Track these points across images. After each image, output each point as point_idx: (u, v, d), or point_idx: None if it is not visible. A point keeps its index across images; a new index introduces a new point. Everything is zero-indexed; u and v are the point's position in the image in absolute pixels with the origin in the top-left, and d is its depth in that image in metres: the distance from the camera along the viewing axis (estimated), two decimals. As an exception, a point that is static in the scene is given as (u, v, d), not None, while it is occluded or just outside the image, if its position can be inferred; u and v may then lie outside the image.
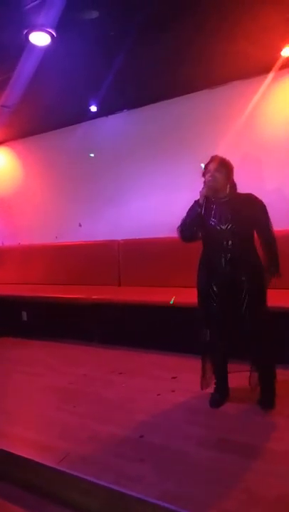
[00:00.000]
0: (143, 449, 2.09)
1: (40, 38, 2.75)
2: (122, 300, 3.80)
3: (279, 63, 3.38)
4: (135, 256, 4.29)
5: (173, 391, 2.77)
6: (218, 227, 2.41)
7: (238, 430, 2.21)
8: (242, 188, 3.43)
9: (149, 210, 4.31)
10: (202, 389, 2.57)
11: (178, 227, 2.57)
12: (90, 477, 1.85)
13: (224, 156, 2.52)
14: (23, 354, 3.93)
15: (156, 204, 4.26)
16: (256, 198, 2.48)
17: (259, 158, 3.73)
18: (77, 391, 2.90)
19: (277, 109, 3.64)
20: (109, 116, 4.51)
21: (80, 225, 4.88)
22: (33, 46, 2.83)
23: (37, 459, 2.04)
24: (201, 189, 2.43)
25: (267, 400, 2.44)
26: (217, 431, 2.21)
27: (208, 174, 2.44)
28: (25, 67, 3.10)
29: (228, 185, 2.47)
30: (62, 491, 1.93)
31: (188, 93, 3.96)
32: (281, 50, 3.18)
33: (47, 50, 2.90)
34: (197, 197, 2.46)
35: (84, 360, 3.59)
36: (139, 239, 4.30)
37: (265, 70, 3.51)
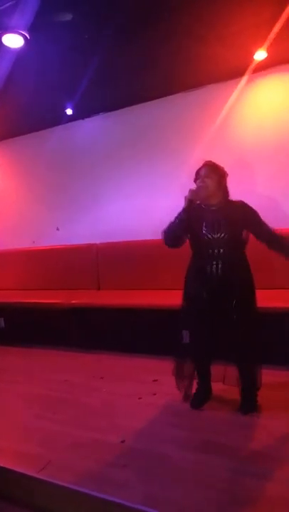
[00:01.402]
0: (125, 454, 2.07)
1: (13, 40, 2.71)
2: (101, 304, 3.78)
3: (252, 67, 3.45)
4: (114, 259, 4.27)
5: (154, 394, 2.77)
6: (210, 236, 2.37)
7: (220, 432, 2.21)
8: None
9: (127, 213, 4.31)
10: (184, 396, 2.56)
11: (162, 232, 2.52)
12: (73, 485, 1.83)
13: (213, 161, 2.48)
14: (1, 362, 3.84)
15: (134, 207, 4.26)
16: (248, 205, 2.44)
17: (233, 161, 3.77)
18: (57, 398, 2.86)
19: (251, 112, 3.71)
20: (86, 120, 4.49)
21: (57, 229, 4.82)
22: (6, 48, 2.78)
23: (17, 469, 2.00)
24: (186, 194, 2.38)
25: (249, 404, 2.41)
26: (200, 433, 2.22)
27: (199, 180, 2.40)
28: (-1, 69, 3.06)
29: (221, 192, 2.43)
30: (44, 500, 1.89)
31: (163, 96, 3.99)
32: (254, 54, 3.23)
33: (20, 53, 2.86)
34: (179, 200, 2.43)
35: (64, 366, 3.54)
36: (117, 242, 4.28)
37: (239, 73, 3.56)
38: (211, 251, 2.37)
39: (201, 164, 2.49)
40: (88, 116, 4.44)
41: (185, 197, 2.37)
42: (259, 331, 2.43)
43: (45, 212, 4.89)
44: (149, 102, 4.08)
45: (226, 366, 2.50)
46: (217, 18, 2.70)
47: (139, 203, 4.23)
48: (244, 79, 3.63)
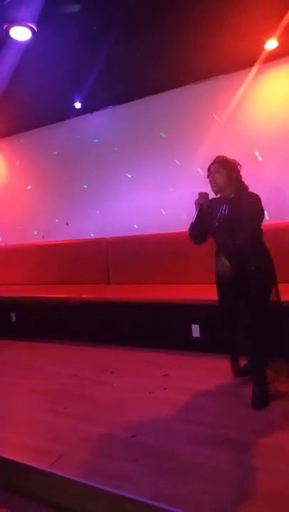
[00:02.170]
0: (135, 448, 2.07)
1: (20, 33, 2.69)
2: (111, 298, 3.78)
3: (262, 57, 3.38)
4: (123, 254, 4.26)
5: (164, 389, 2.76)
6: (221, 227, 2.45)
7: (230, 426, 2.20)
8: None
9: (136, 206, 4.29)
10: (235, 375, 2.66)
11: (188, 231, 2.61)
12: (83, 479, 1.83)
13: (224, 154, 2.52)
14: (11, 356, 3.87)
15: (143, 200, 4.24)
16: (252, 194, 2.44)
17: (244, 152, 3.72)
18: (67, 392, 2.87)
19: (261, 102, 3.64)
20: (94, 113, 4.46)
21: (67, 224, 4.82)
22: (14, 41, 2.77)
23: (28, 463, 2.01)
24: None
25: (257, 399, 2.38)
26: (209, 428, 2.20)
27: (210, 177, 2.49)
28: (6, 63, 3.04)
29: (232, 185, 2.46)
30: (55, 494, 1.90)
31: (172, 88, 3.94)
32: (264, 44, 3.17)
33: (28, 46, 2.85)
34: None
35: (74, 360, 3.55)
36: (127, 236, 4.27)
37: (249, 63, 3.51)
38: (223, 242, 2.45)
39: (212, 158, 2.51)
40: (97, 109, 4.42)
41: (195, 202, 2.50)
42: (265, 324, 2.41)
43: (55, 207, 4.90)
44: (158, 94, 4.04)
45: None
46: (227, 8, 2.65)
47: (148, 197, 4.20)
48: (254, 69, 3.56)
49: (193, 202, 2.54)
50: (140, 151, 4.24)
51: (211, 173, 2.49)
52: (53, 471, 1.92)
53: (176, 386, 2.78)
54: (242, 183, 2.51)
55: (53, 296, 4.11)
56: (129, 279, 4.17)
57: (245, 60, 3.45)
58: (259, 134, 3.65)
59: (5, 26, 2.62)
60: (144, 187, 4.24)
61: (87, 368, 3.30)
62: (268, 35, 3.05)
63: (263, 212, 2.46)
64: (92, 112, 4.46)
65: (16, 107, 4.12)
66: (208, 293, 2.93)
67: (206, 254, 2.73)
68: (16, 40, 2.77)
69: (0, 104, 3.87)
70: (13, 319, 4.48)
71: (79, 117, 4.51)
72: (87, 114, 4.48)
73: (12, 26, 2.62)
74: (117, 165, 4.39)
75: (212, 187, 2.50)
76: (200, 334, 3.35)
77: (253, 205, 2.39)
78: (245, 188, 2.52)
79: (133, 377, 3.03)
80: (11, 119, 4.54)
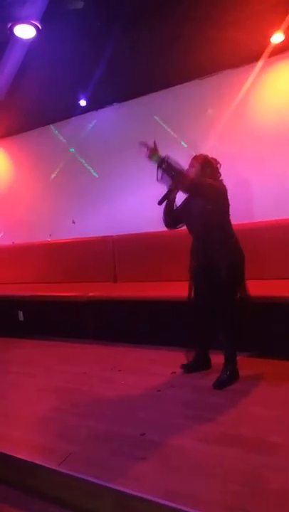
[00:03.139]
0: (144, 447, 2.06)
1: (25, 31, 2.69)
2: (118, 296, 3.77)
3: (269, 50, 3.35)
4: (130, 251, 4.25)
5: (173, 386, 2.74)
6: (192, 219, 2.69)
7: (239, 424, 2.18)
8: (235, 175, 3.44)
9: (142, 204, 4.26)
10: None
11: (162, 217, 2.86)
12: (92, 478, 1.82)
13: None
14: (20, 354, 3.88)
15: (149, 198, 4.19)
16: (218, 186, 2.63)
17: (251, 146, 3.69)
18: (76, 390, 2.86)
19: (268, 96, 3.61)
20: (99, 110, 4.45)
21: (73, 222, 4.82)
22: (18, 39, 2.76)
23: (37, 462, 2.01)
24: None
25: (218, 379, 2.63)
26: (219, 425, 2.19)
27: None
28: (10, 62, 3.04)
29: (204, 178, 2.63)
30: (65, 493, 1.90)
31: (178, 83, 3.92)
32: (270, 37, 3.14)
33: (32, 43, 2.84)
34: None
35: (82, 358, 3.55)
36: (133, 234, 4.26)
37: (255, 57, 3.48)
38: (195, 233, 2.73)
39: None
40: (102, 106, 4.41)
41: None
42: (234, 311, 2.65)
43: (61, 205, 4.90)
44: (164, 90, 4.02)
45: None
46: (232, 2, 2.63)
47: (154, 194, 4.16)
48: (260, 63, 3.53)
49: None
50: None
51: (188, 167, 2.70)
52: (62, 469, 1.92)
53: (184, 384, 2.76)
54: (217, 179, 2.69)
55: (61, 294, 4.11)
56: (136, 276, 4.16)
57: (252, 54, 3.42)
58: (267, 127, 3.62)
59: (9, 24, 2.62)
60: (151, 183, 4.20)
61: (95, 365, 3.30)
62: (274, 28, 3.02)
63: (225, 203, 2.63)
64: (97, 110, 4.44)
65: (21, 105, 4.12)
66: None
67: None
68: (21, 38, 2.76)
69: (6, 102, 3.86)
70: (21, 318, 4.49)
71: (84, 115, 4.49)
72: (92, 112, 4.46)
73: (16, 24, 2.62)
74: (123, 162, 4.37)
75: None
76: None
77: (214, 194, 2.57)
78: (219, 182, 2.69)
79: (141, 375, 3.02)
80: (17, 118, 4.54)
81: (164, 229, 3.95)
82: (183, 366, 2.93)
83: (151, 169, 4.17)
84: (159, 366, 3.07)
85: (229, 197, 2.67)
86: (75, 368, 3.30)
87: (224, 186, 2.65)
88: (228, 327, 2.67)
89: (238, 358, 2.74)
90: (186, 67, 3.61)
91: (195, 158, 2.73)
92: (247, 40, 3.16)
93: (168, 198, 2.74)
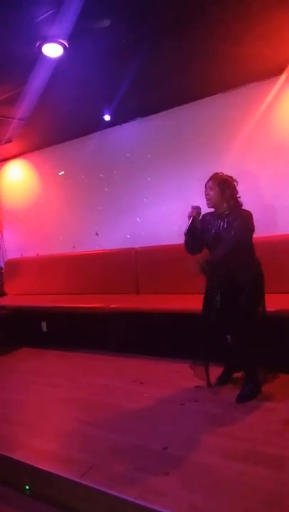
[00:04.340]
0: (167, 461, 2.03)
1: (52, 50, 2.76)
2: (140, 308, 3.76)
3: (292, 63, 3.33)
4: (153, 263, 4.25)
5: (196, 401, 2.70)
6: (215, 242, 2.64)
7: (263, 441, 2.13)
8: (257, 190, 3.42)
9: (165, 216, 4.28)
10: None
11: (184, 242, 2.84)
12: (115, 491, 1.81)
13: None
14: (42, 365, 3.92)
15: (172, 210, 4.22)
16: (246, 217, 2.61)
17: (274, 161, 3.67)
18: (98, 402, 2.86)
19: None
20: (123, 125, 4.52)
21: (96, 234, 4.87)
22: (46, 58, 2.84)
23: (60, 473, 2.01)
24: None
25: (242, 393, 2.62)
26: (242, 442, 2.14)
27: (205, 193, 2.70)
28: (38, 79, 3.12)
29: (225, 202, 2.65)
30: (87, 506, 1.89)
31: (201, 98, 3.94)
32: (294, 50, 3.12)
33: (59, 61, 2.92)
34: None
35: (104, 370, 3.55)
36: (155, 246, 4.26)
37: (279, 71, 3.46)
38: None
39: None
40: (126, 121, 4.46)
41: (188, 214, 2.75)
42: (256, 329, 2.62)
43: (85, 217, 4.96)
44: (187, 104, 4.04)
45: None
46: (255, 17, 2.63)
47: (177, 206, 4.17)
48: (284, 76, 3.51)
49: None
50: (169, 161, 4.24)
51: (206, 189, 2.69)
52: (84, 482, 1.91)
53: (207, 398, 2.72)
54: (236, 200, 2.68)
55: (83, 305, 4.14)
56: (158, 288, 4.15)
57: (275, 68, 3.40)
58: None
59: (38, 43, 2.70)
60: (174, 196, 4.23)
61: (118, 377, 3.29)
62: (296, 41, 3.00)
63: (252, 229, 2.62)
64: (121, 124, 4.51)
65: (48, 121, 4.23)
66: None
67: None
68: (49, 57, 2.84)
69: (33, 118, 3.98)
70: (44, 329, 4.53)
71: (108, 129, 4.57)
72: (116, 126, 4.54)
73: (44, 43, 2.70)
74: (146, 175, 4.41)
75: (207, 203, 2.70)
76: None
77: (241, 223, 2.57)
78: (239, 204, 2.68)
79: (164, 388, 2.99)
80: (43, 133, 4.66)
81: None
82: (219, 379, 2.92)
83: (174, 182, 4.22)
84: (182, 379, 3.03)
85: (252, 211, 2.66)
86: (98, 379, 3.30)
87: (248, 212, 2.64)
88: (250, 346, 2.63)
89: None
90: (210, 82, 3.63)
91: (212, 179, 2.70)
92: (270, 55, 3.15)
93: (192, 229, 2.76)
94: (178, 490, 1.80)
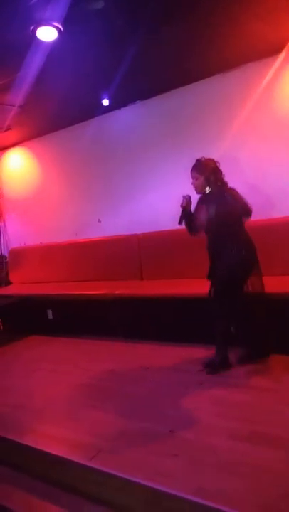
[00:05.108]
0: (175, 444, 2.06)
1: (47, 33, 2.71)
2: (145, 294, 3.77)
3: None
4: (156, 249, 4.24)
5: (201, 384, 2.73)
6: (204, 222, 2.84)
7: (269, 422, 2.15)
8: (259, 168, 3.36)
9: (167, 201, 4.24)
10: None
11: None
12: (124, 474, 1.84)
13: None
14: (49, 352, 3.96)
15: (174, 195, 4.17)
16: (230, 190, 2.80)
17: (275, 139, 3.62)
18: (105, 387, 2.90)
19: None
20: (122, 109, 4.46)
21: (99, 221, 4.86)
22: (40, 42, 2.79)
23: (69, 457, 2.04)
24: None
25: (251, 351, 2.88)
26: (248, 423, 2.16)
27: (191, 182, 2.92)
28: (34, 65, 3.07)
29: (212, 186, 2.83)
30: (97, 488, 1.92)
31: (200, 79, 3.87)
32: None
33: (54, 45, 2.86)
34: None
35: (110, 356, 3.58)
36: (158, 231, 4.25)
37: (277, 49, 3.41)
38: (208, 235, 2.88)
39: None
40: (125, 105, 4.41)
41: (180, 205, 3.00)
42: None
43: (87, 204, 4.94)
44: (186, 87, 3.99)
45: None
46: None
47: (179, 191, 4.15)
48: (282, 55, 3.45)
49: None
50: (169, 145, 4.20)
51: (191, 178, 2.90)
52: (93, 465, 1.95)
53: (213, 381, 2.75)
54: (222, 181, 2.84)
55: (88, 292, 4.16)
56: (162, 274, 4.15)
57: (273, 47, 3.35)
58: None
59: (31, 27, 2.65)
60: (176, 180, 4.19)
61: (123, 363, 3.32)
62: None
63: (240, 205, 2.76)
64: (120, 108, 4.45)
65: (45, 107, 4.18)
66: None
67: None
68: (43, 41, 2.79)
69: (30, 105, 3.93)
70: (50, 316, 4.57)
71: (107, 114, 4.52)
72: (116, 111, 4.48)
73: (38, 27, 2.65)
74: (147, 159, 4.37)
75: (195, 191, 2.91)
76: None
77: (231, 200, 2.75)
78: (225, 184, 2.85)
79: (169, 372, 3.02)
80: (41, 120, 4.61)
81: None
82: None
83: (175, 166, 4.18)
84: (186, 364, 3.06)
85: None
86: (104, 365, 3.33)
87: (234, 190, 2.80)
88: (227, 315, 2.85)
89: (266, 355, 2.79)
90: (208, 63, 3.57)
91: (195, 169, 2.86)
92: (269, 33, 3.09)
93: (185, 215, 3.00)
94: (186, 471, 1.83)
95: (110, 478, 1.87)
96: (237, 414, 2.27)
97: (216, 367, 2.85)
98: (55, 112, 4.40)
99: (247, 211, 2.79)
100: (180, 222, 3.03)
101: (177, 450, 1.99)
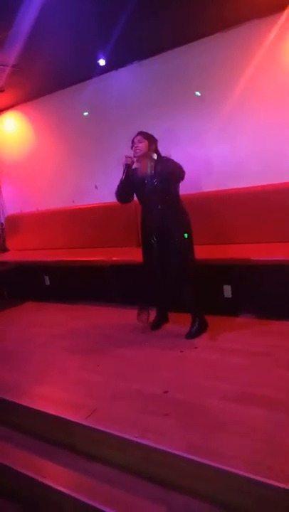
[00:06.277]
0: (167, 404, 2.12)
1: (39, -13, 2.57)
2: (141, 260, 3.77)
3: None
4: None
5: (196, 347, 2.79)
6: (146, 188, 2.95)
7: (260, 384, 2.21)
8: (262, 128, 3.27)
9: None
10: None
11: (115, 193, 3.16)
12: (117, 432, 1.90)
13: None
14: (46, 317, 4.01)
15: (174, 157, 4.12)
16: (170, 159, 2.98)
17: (278, 99, 3.51)
18: (101, 351, 2.95)
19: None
20: (119, 70, 4.31)
21: (96, 187, 4.80)
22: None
23: (65, 416, 2.11)
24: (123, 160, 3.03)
25: (190, 330, 2.99)
26: (239, 385, 2.22)
27: (134, 146, 3.00)
28: (25, 21, 2.92)
29: (151, 152, 2.97)
30: (91, 445, 2.00)
31: (200, 38, 3.71)
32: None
33: (46, 2, 2.72)
34: None
35: (106, 321, 3.63)
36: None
37: (281, 7, 3.25)
38: (149, 201, 3.00)
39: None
40: (122, 66, 4.25)
41: (122, 163, 3.04)
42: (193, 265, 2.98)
43: (83, 170, 4.86)
44: (184, 46, 3.82)
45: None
46: None
47: (177, 155, 4.08)
48: (286, 12, 3.29)
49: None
50: (168, 106, 4.07)
51: (134, 143, 2.99)
52: (88, 423, 2.01)
53: (206, 345, 2.80)
54: (158, 152, 3.01)
55: (85, 259, 4.17)
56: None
57: (276, 3, 3.19)
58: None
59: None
60: (175, 142, 4.10)
61: (119, 328, 3.37)
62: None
63: (179, 175, 2.94)
64: (117, 69, 4.30)
65: (38, 68, 4.02)
66: (234, 252, 3.13)
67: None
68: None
69: (22, 65, 3.78)
70: (47, 282, 4.60)
71: (104, 75, 4.36)
72: (112, 71, 4.33)
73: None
74: (145, 121, 4.20)
75: (135, 153, 2.99)
76: (231, 295, 3.33)
77: (174, 166, 2.92)
78: (162, 156, 3.00)
79: (164, 336, 3.08)
80: (35, 82, 4.45)
81: (186, 191, 3.92)
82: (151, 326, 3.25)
83: (174, 130, 4.08)
84: (181, 328, 3.10)
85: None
86: (100, 330, 3.39)
87: (174, 162, 2.96)
88: (193, 283, 2.97)
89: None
90: (208, 21, 3.40)
91: (141, 134, 3.01)
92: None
93: (127, 175, 3.06)
94: (177, 429, 1.89)
95: (105, 436, 1.93)
96: (229, 377, 2.33)
97: (199, 332, 3.01)
98: (50, 73, 4.24)
99: (183, 174, 2.97)
100: (121, 183, 3.08)
101: (169, 410, 2.05)
